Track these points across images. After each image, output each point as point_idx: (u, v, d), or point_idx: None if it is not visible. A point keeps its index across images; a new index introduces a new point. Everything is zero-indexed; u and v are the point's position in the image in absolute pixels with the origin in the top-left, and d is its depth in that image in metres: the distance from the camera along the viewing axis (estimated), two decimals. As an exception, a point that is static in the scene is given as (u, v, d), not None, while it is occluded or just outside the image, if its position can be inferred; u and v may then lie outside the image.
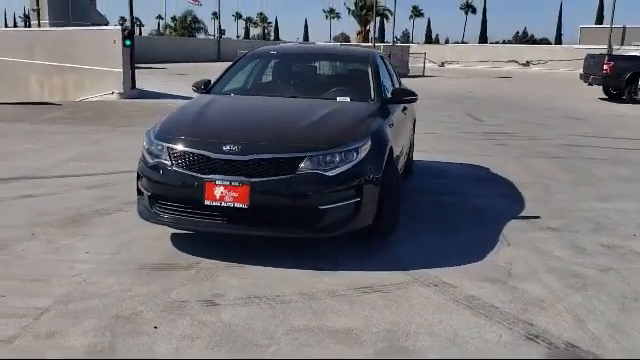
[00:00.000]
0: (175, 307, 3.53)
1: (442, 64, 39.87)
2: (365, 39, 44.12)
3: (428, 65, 34.05)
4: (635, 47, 31.48)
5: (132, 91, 16.99)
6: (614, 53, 22.05)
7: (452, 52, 44.13)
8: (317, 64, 6.27)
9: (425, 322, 3.43)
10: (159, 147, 4.43)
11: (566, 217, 5.73)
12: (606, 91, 19.47)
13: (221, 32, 65.86)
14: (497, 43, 71.30)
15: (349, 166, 4.22)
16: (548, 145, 10.09)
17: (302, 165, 4.12)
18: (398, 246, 4.68)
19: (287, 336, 3.22)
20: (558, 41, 72.01)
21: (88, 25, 38.52)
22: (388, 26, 76.81)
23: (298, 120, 4.69)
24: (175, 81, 22.83)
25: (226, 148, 4.17)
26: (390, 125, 5.05)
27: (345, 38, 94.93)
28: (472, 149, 9.52)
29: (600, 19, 69.57)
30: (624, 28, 38.38)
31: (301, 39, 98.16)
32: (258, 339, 3.18)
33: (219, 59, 45.88)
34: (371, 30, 47.06)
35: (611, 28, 32.16)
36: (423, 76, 29.91)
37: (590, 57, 19.96)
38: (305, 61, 6.32)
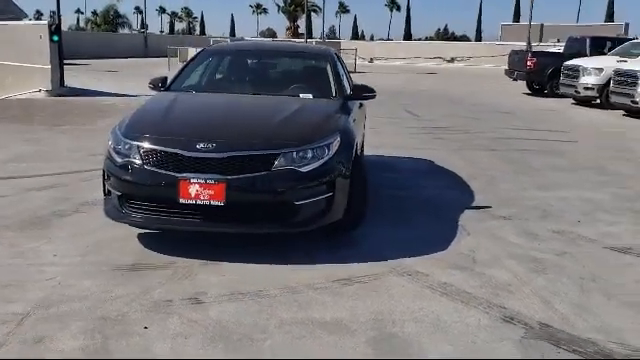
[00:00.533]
0: (161, 307, 3.53)
1: (371, 60, 40.51)
2: (295, 35, 44.23)
3: (358, 62, 34.56)
4: (553, 43, 33.27)
5: (61, 88, 16.37)
6: (536, 50, 23.06)
7: (380, 49, 44.97)
8: (276, 61, 6.32)
9: (407, 309, 3.58)
10: (127, 146, 4.38)
11: (514, 206, 6.05)
12: (529, 86, 20.40)
13: (145, 27, 64.26)
14: (420, 40, 73.14)
15: (322, 162, 4.33)
16: (483, 138, 10.54)
17: (277, 162, 4.19)
18: (364, 240, 4.82)
19: (279, 329, 3.29)
20: (478, 38, 74.59)
21: (6, 19, 36.57)
22: (316, 22, 77.27)
23: (268, 117, 4.75)
24: (108, 78, 22.18)
25: (200, 146, 4.18)
26: (353, 120, 5.19)
27: (272, 34, 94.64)
28: (415, 143, 9.83)
29: (517, 17, 72.65)
30: (542, 25, 40.33)
31: (227, 34, 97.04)
32: (251, 334, 3.24)
33: (146, 55, 44.82)
34: (301, 26, 47.22)
35: (530, 25, 33.65)
36: (355, 72, 30.25)
37: (514, 53, 20.89)
38: (264, 58, 6.36)
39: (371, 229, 5.05)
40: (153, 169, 4.23)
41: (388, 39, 70.94)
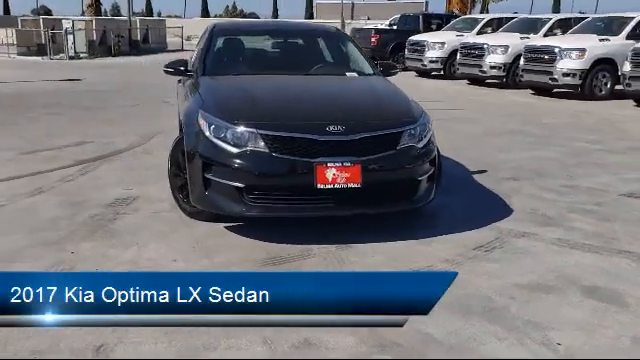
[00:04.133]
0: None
1: (188, 38, 39.48)
2: (97, 12, 41.29)
3: (176, 39, 33.56)
4: (364, 20, 35.48)
5: None
6: (378, 27, 24.35)
7: (194, 26, 43.87)
8: (296, 40, 6.16)
9: (566, 264, 3.98)
10: (241, 133, 4.12)
11: (501, 169, 6.71)
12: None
13: None
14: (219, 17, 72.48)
15: (428, 138, 4.51)
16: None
17: (402, 140, 4.28)
18: (432, 213, 4.93)
19: (504, 294, 3.49)
20: (275, 15, 76.18)
21: None
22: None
23: (358, 97, 4.79)
24: None
25: (330, 129, 4.11)
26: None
27: (47, 11, 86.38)
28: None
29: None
30: (352, 4, 42.74)
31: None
32: (492, 296, 3.40)
33: None
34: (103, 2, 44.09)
35: (342, 3, 35.49)
36: (183, 50, 29.44)
37: (356, 31, 22.02)
38: (285, 37, 6.17)
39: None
40: (284, 156, 4.06)
41: (185, 17, 69.02)
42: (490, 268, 3.88)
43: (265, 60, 5.81)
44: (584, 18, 16.17)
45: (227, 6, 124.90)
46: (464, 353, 2.93)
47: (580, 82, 13.47)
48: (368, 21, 34.24)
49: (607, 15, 15.39)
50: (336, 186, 4.06)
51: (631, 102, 12.68)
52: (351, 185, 4.07)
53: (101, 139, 7.93)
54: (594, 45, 13.60)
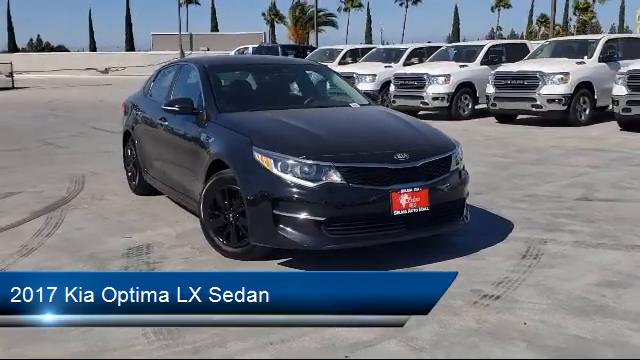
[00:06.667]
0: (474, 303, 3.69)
1: (10, 74, 36.10)
2: None
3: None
4: (203, 51, 35.38)
5: None
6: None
7: (22, 61, 40.30)
8: (284, 74, 6.12)
9: (607, 266, 4.52)
10: (315, 167, 4.15)
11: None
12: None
13: None
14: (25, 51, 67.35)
15: (461, 160, 4.84)
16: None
17: (451, 163, 4.57)
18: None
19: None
20: (93, 48, 72.51)
21: None
22: None
23: (398, 125, 4.99)
24: None
25: (398, 157, 4.27)
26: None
27: None
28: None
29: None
30: (191, 35, 42.20)
31: None
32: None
33: None
34: None
35: (180, 35, 35.09)
36: (14, 88, 27.00)
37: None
38: (274, 72, 6.10)
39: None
40: (361, 186, 4.14)
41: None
42: (555, 273, 4.27)
43: (268, 95, 5.74)
44: (436, 47, 17.83)
45: (31, 39, 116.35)
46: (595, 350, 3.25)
47: (448, 104, 14.85)
48: (208, 52, 34.20)
49: (459, 44, 17.17)
50: (409, 211, 4.22)
51: (493, 119, 14.23)
52: (421, 209, 4.27)
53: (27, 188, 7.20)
54: (457, 71, 15.10)
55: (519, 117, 13.97)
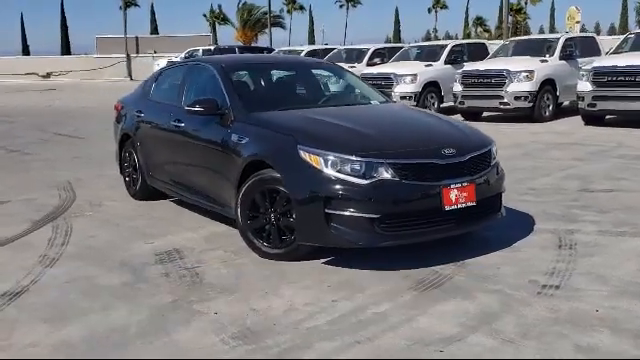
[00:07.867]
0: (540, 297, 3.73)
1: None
2: None
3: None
4: (151, 55, 34.57)
5: None
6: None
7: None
8: (306, 73, 6.00)
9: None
10: (366, 164, 4.09)
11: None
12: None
13: None
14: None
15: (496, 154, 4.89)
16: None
17: (491, 157, 4.62)
18: None
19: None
20: (26, 52, 69.61)
21: None
22: None
23: (434, 121, 5.02)
24: None
25: (445, 152, 4.27)
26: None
27: None
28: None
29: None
30: (137, 38, 41.08)
31: None
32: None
33: None
34: None
35: (126, 38, 34.19)
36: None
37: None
38: (291, 71, 5.99)
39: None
40: (414, 182, 4.11)
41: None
42: (598, 261, 4.36)
43: (291, 94, 5.66)
44: (398, 48, 18.04)
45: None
46: None
47: (415, 103, 15.03)
48: (155, 55, 33.42)
49: (421, 44, 17.42)
50: (459, 206, 4.23)
51: (459, 117, 14.50)
52: (470, 204, 4.28)
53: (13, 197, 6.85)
54: (423, 70, 15.31)
55: (484, 114, 14.30)
